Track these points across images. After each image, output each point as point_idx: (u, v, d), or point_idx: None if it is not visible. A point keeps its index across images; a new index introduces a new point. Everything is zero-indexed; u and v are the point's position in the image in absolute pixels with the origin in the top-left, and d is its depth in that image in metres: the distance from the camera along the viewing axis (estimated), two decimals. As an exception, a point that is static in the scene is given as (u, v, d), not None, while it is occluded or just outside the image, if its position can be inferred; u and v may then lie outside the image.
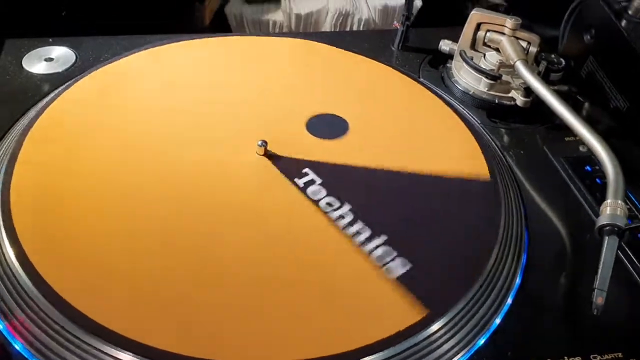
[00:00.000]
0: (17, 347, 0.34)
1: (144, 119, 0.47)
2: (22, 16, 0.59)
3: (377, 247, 0.39)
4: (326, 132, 0.47)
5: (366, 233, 0.40)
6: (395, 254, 0.39)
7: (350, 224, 0.40)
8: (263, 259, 0.38)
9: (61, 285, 0.35)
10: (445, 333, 0.35)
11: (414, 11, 0.73)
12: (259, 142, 0.44)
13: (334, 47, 0.57)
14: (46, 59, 0.55)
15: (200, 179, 0.43)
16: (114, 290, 0.35)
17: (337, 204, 0.42)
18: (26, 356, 0.33)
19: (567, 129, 0.51)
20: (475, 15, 0.53)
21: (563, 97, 0.48)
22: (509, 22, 0.52)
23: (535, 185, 0.47)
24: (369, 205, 0.42)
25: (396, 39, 0.59)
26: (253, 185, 0.43)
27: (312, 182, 0.43)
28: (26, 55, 0.55)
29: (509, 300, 0.39)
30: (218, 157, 0.44)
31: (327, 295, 0.36)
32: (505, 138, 0.51)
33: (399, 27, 0.60)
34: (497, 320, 0.38)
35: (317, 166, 0.44)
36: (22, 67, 0.54)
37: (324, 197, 0.42)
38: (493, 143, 0.50)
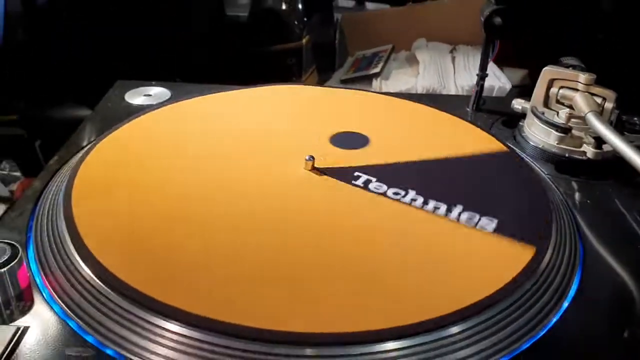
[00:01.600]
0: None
1: (204, 141, 0.51)
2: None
3: (459, 214, 0.41)
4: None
5: (443, 207, 0.42)
6: (477, 215, 0.41)
7: (425, 202, 0.42)
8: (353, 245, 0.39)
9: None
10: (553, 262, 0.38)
11: (503, 93, 0.74)
12: (307, 157, 0.45)
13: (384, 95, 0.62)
14: (145, 95, 0.61)
15: (259, 189, 0.44)
16: (158, 263, 0.36)
17: (402, 192, 0.43)
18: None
19: (644, 188, 0.47)
20: (548, 71, 0.52)
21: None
22: (583, 77, 0.50)
23: (598, 229, 0.43)
24: (431, 187, 0.44)
25: (471, 100, 0.60)
26: (316, 192, 0.44)
27: (368, 181, 0.45)
28: (130, 91, 0.62)
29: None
30: (273, 173, 0.46)
31: (447, 257, 0.38)
32: (573, 190, 0.48)
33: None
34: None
35: (365, 169, 0.46)
36: (124, 99, 0.61)
37: (387, 189, 0.44)
38: (553, 186, 0.48)
